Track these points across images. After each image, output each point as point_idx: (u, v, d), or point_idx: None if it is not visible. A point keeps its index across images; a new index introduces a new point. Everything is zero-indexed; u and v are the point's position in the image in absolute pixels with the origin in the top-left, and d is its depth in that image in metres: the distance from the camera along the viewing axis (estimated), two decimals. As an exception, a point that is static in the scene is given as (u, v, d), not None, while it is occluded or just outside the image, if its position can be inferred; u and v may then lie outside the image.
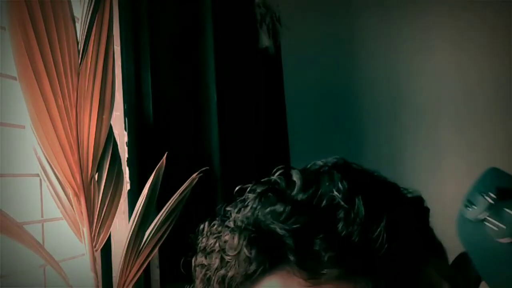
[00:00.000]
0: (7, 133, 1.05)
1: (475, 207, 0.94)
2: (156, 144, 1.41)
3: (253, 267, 0.52)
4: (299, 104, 2.27)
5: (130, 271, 1.07)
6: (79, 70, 0.97)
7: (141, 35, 1.43)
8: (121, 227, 1.31)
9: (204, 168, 1.20)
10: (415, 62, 2.32)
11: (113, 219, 1.06)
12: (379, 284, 0.50)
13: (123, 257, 1.06)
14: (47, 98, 0.93)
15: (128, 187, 1.34)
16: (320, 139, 2.30)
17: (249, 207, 0.56)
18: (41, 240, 1.07)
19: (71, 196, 1.00)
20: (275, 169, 0.59)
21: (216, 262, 0.56)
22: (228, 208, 0.59)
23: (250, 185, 0.59)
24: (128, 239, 1.06)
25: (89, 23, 0.98)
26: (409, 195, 0.59)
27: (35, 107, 0.93)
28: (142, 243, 1.08)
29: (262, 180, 0.59)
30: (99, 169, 1.04)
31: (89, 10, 0.98)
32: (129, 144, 1.36)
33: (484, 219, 0.93)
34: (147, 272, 1.36)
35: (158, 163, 1.13)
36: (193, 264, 0.60)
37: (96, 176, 1.03)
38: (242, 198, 0.58)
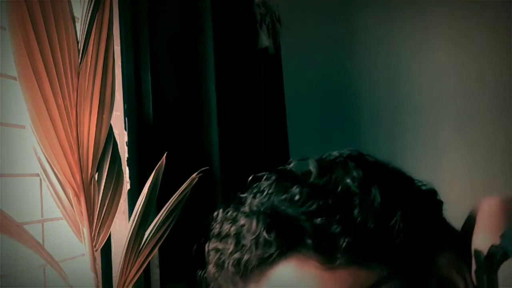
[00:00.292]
0: (7, 133, 1.05)
1: None
2: (156, 144, 1.41)
3: (271, 250, 0.53)
4: (299, 104, 2.27)
5: (130, 271, 1.07)
6: (79, 70, 0.97)
7: (141, 35, 1.43)
8: (121, 227, 1.31)
9: (204, 168, 1.20)
10: (415, 62, 2.32)
11: (113, 219, 1.06)
12: (394, 272, 0.51)
13: (123, 257, 1.06)
14: (47, 98, 0.93)
15: (128, 187, 1.34)
16: (320, 139, 2.30)
17: (265, 193, 0.57)
18: (41, 240, 1.07)
19: (71, 196, 1.00)
20: (290, 160, 0.60)
21: (231, 246, 0.56)
22: (242, 195, 0.60)
23: (265, 173, 0.60)
24: (128, 239, 1.06)
25: (89, 23, 0.98)
26: (424, 188, 0.60)
27: (35, 107, 0.93)
28: (142, 243, 1.08)
29: (277, 168, 0.60)
30: (99, 169, 1.04)
31: (89, 10, 0.98)
32: (129, 144, 1.37)
33: None
34: (147, 272, 1.37)
35: (158, 163, 1.13)
36: (206, 250, 0.60)
37: (96, 176, 1.03)
38: (257, 184, 0.59)
